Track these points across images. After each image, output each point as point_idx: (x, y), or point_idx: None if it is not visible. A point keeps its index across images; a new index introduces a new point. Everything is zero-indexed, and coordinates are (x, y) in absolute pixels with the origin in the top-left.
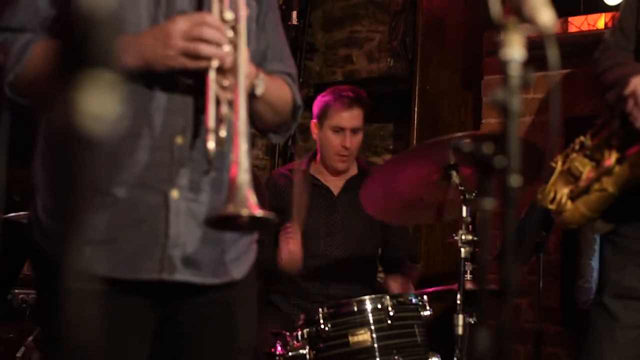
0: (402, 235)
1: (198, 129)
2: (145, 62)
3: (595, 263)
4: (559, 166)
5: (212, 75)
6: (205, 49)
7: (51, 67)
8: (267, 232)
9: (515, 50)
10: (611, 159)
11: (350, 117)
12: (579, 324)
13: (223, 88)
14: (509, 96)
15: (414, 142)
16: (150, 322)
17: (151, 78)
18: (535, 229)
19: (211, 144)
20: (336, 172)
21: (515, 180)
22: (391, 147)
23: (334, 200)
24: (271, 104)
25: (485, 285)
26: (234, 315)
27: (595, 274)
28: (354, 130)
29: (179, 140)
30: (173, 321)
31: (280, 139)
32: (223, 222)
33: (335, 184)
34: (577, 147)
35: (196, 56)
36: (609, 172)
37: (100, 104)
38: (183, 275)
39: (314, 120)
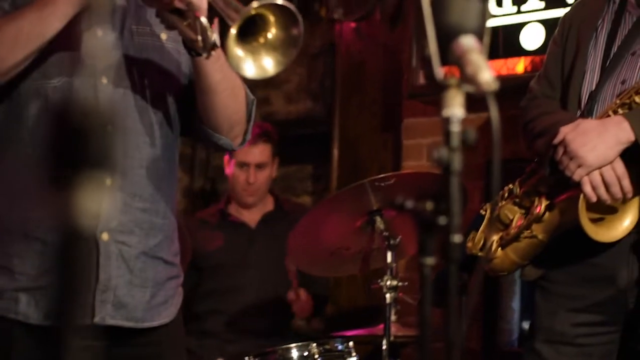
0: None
1: (126, 171)
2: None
3: (515, 304)
4: (488, 214)
5: None
6: None
7: None
8: None
9: (456, 108)
10: (541, 206)
11: (254, 153)
12: None
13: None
14: (450, 155)
15: (334, 184)
16: None
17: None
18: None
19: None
20: (248, 206)
21: (457, 238)
22: (310, 189)
23: (251, 233)
24: (229, 79)
25: (428, 349)
26: (163, 357)
27: (516, 316)
28: (258, 166)
29: (107, 181)
30: None
31: (233, 145)
32: None
33: (251, 218)
34: (505, 194)
35: None
36: (538, 219)
37: None
38: (114, 319)
39: (226, 158)
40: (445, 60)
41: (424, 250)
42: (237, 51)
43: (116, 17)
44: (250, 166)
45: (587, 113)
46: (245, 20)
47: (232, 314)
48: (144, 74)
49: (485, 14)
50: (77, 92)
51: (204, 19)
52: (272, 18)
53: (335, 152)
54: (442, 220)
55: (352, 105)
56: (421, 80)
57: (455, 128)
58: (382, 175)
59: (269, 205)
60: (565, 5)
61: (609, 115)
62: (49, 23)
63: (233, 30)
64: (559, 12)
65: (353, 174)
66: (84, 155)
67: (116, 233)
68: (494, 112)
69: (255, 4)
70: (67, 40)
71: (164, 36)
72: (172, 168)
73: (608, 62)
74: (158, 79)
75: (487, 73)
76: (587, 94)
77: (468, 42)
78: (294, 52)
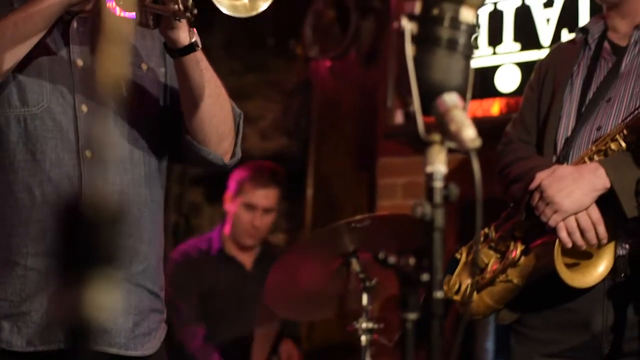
0: None
1: (107, 196)
2: None
3: (489, 345)
4: (463, 257)
5: None
6: None
7: None
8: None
9: (439, 165)
10: (516, 250)
11: (264, 197)
12: None
13: None
14: (434, 211)
15: (309, 222)
16: None
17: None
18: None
19: None
20: (247, 248)
21: (439, 294)
22: (284, 226)
23: (245, 274)
24: (213, 84)
25: None
26: None
27: (489, 357)
28: (266, 210)
29: None
30: None
31: (224, 160)
32: None
33: (245, 259)
34: (481, 238)
35: None
36: (514, 263)
37: None
38: (98, 345)
39: (229, 193)
40: (428, 116)
41: (406, 306)
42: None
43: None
44: (258, 209)
45: (563, 159)
46: None
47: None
48: (124, 102)
49: (468, 71)
50: (57, 120)
51: None
52: None
53: (310, 190)
54: (424, 276)
55: (327, 143)
56: (396, 120)
57: (439, 184)
58: (357, 217)
59: (259, 246)
60: (540, 47)
61: (584, 162)
62: (33, 23)
63: None
64: (534, 55)
65: (328, 213)
66: (62, 182)
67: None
68: (476, 168)
69: None
70: (47, 68)
71: (144, 66)
72: (156, 195)
73: (583, 108)
74: (138, 107)
75: (470, 131)
76: (563, 139)
77: (451, 99)
78: None
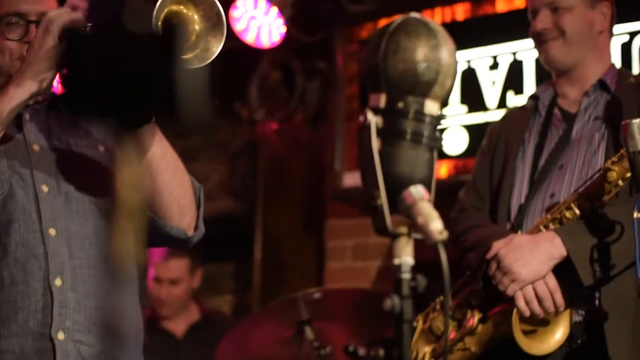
0: None
1: (75, 271)
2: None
3: None
4: (419, 325)
5: None
6: None
7: None
8: None
9: (406, 257)
10: (473, 319)
11: (167, 268)
12: None
13: None
14: (402, 303)
15: (257, 284)
16: None
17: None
18: None
19: None
20: (166, 317)
21: None
22: (232, 287)
23: (177, 344)
24: (170, 156)
25: None
26: None
27: None
28: (172, 281)
29: (57, 282)
30: None
31: (187, 233)
32: None
33: (177, 328)
34: (437, 306)
35: None
36: (471, 332)
37: None
38: None
39: (151, 268)
40: (394, 209)
41: None
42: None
43: (54, 133)
44: (164, 281)
45: (517, 226)
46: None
47: None
48: (84, 181)
49: (432, 163)
50: (19, 202)
51: None
52: (184, 11)
53: (258, 252)
54: None
55: (275, 205)
56: (344, 182)
57: (407, 276)
58: (312, 290)
59: (194, 314)
60: (487, 109)
61: (540, 230)
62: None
63: None
64: (481, 117)
65: (276, 274)
66: (28, 261)
67: (72, 332)
68: (444, 260)
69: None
70: (4, 155)
71: (101, 148)
72: (126, 269)
73: (536, 175)
74: (98, 185)
75: (437, 223)
76: (517, 206)
77: (417, 191)
78: (223, 23)
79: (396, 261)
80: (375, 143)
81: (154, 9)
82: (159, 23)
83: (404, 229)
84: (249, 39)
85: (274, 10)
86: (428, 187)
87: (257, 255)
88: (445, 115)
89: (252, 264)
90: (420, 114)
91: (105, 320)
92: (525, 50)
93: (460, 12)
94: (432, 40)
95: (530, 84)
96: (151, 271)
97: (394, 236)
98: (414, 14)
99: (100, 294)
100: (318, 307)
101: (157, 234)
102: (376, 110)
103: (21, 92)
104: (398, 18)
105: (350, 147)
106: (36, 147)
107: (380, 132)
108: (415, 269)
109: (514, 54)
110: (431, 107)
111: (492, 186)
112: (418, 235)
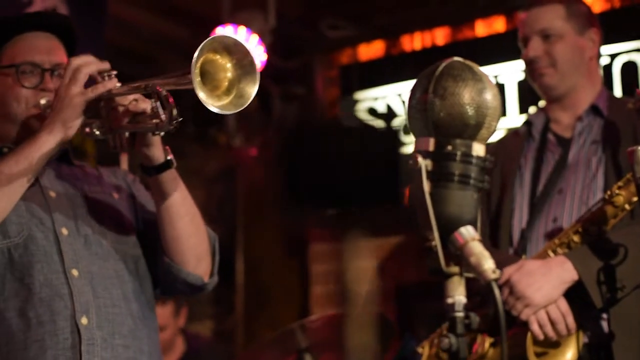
0: None
1: (100, 309)
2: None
3: None
4: (426, 351)
5: None
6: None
7: None
8: None
9: (459, 296)
10: (485, 344)
11: None
12: None
13: None
14: (458, 342)
15: (240, 308)
16: None
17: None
18: None
19: None
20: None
21: None
22: (212, 312)
23: None
24: (189, 203)
25: None
26: None
27: None
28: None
29: (83, 320)
30: None
31: (204, 280)
32: None
33: None
34: (444, 331)
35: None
36: (482, 357)
37: None
38: None
39: None
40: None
41: None
42: (217, 104)
43: (67, 181)
44: None
45: (521, 251)
46: (200, 74)
47: None
48: (101, 225)
49: (478, 204)
50: (40, 245)
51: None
52: (219, 59)
53: (240, 277)
54: None
55: (256, 229)
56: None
57: (460, 314)
58: (311, 318)
59: (179, 347)
60: None
61: (548, 255)
62: (31, 159)
63: (201, 93)
64: None
65: (259, 298)
66: (54, 301)
67: None
68: (498, 297)
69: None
70: (22, 200)
71: (115, 195)
72: (147, 309)
73: (535, 200)
74: (115, 228)
75: (490, 262)
76: (519, 232)
77: (468, 232)
78: (256, 71)
79: (449, 300)
80: (427, 186)
81: (194, 56)
82: (197, 70)
83: (456, 269)
84: None
85: (254, 38)
86: (475, 226)
87: (239, 280)
88: (491, 158)
89: (234, 289)
90: (467, 156)
91: (132, 358)
92: (507, 73)
93: (440, 37)
94: (478, 84)
95: (513, 107)
96: None
97: (448, 276)
98: (457, 59)
99: (125, 332)
100: (317, 331)
101: (173, 279)
102: (425, 154)
103: (52, 140)
104: (442, 62)
105: None
106: (52, 194)
107: (429, 175)
108: (402, 290)
109: (496, 77)
110: (478, 149)
111: (490, 212)
112: (470, 275)
